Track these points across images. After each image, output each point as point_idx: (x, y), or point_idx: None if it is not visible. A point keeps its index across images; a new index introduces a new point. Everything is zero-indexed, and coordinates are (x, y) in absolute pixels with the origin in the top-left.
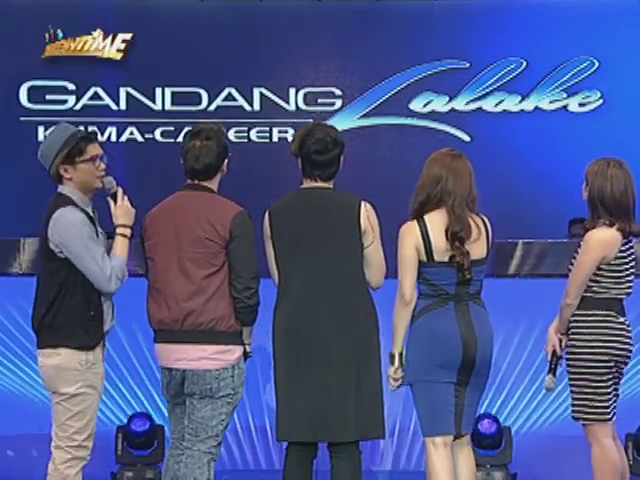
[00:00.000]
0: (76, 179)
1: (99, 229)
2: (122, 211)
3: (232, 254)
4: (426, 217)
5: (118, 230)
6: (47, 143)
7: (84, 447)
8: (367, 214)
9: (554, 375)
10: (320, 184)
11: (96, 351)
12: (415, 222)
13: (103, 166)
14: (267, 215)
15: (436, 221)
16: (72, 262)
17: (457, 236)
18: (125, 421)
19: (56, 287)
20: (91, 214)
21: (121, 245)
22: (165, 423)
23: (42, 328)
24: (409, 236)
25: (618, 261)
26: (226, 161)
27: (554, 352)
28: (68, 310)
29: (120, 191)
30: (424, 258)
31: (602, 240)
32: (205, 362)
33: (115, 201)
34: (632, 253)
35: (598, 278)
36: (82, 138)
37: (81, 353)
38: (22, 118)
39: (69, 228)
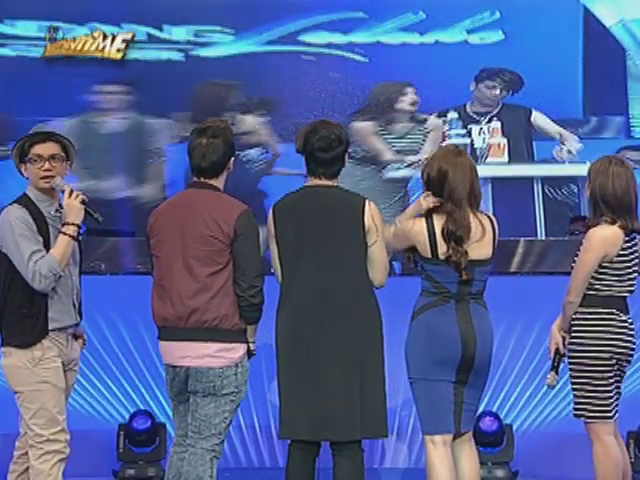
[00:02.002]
0: (30, 178)
1: (54, 227)
2: (66, 209)
3: (237, 252)
4: (434, 215)
5: (62, 228)
6: None
7: (54, 441)
8: (371, 213)
9: (557, 372)
10: (324, 182)
11: (44, 346)
12: (423, 220)
13: (47, 166)
14: (271, 213)
15: (441, 219)
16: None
17: (454, 235)
18: (127, 419)
19: (3, 283)
20: (45, 213)
21: (58, 243)
22: (167, 421)
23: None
24: (412, 235)
25: (620, 259)
26: (232, 159)
27: (557, 349)
28: (12, 307)
29: (68, 189)
30: (428, 254)
31: (604, 238)
32: (209, 360)
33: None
34: (635, 251)
35: (601, 276)
36: (29, 138)
37: (26, 351)
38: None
39: (4, 224)
